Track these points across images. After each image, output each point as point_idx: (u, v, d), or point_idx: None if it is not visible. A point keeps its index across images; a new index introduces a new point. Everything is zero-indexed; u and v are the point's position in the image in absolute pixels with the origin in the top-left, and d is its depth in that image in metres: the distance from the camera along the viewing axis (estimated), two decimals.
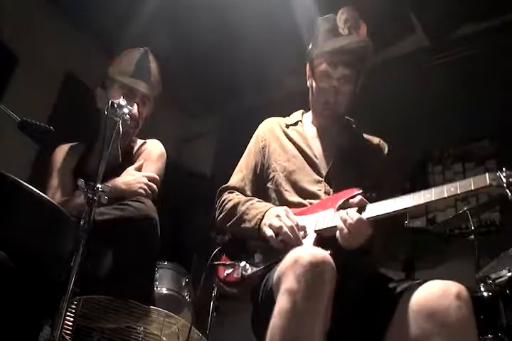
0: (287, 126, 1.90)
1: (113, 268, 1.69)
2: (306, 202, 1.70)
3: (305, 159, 1.79)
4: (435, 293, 1.33)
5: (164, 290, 2.82)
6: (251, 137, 1.96)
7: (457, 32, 3.97)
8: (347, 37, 1.78)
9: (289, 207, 1.64)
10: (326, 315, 1.27)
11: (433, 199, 1.40)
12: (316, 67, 1.83)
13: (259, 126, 1.95)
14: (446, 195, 1.39)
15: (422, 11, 3.84)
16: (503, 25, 3.75)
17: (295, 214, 1.61)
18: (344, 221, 1.47)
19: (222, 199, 1.80)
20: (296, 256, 1.29)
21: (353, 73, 1.79)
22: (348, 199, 1.58)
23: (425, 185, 3.57)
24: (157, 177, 2.10)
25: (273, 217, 1.58)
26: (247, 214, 1.66)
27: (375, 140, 1.91)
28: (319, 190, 1.71)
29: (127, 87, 2.16)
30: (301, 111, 1.99)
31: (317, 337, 1.24)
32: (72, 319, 1.59)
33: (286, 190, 1.74)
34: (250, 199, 1.73)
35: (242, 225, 1.66)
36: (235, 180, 1.85)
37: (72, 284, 1.36)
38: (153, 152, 2.21)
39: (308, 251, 1.31)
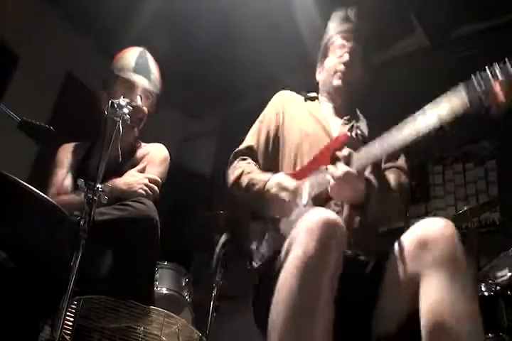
0: (305, 99, 1.96)
1: (113, 269, 1.69)
2: None
3: (321, 128, 1.83)
4: (426, 226, 1.39)
5: (164, 290, 2.82)
6: None
7: (457, 32, 3.96)
8: (357, 22, 1.91)
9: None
10: (334, 281, 1.28)
11: (420, 135, 1.41)
12: (330, 46, 1.93)
13: (275, 95, 1.99)
14: (431, 128, 1.39)
15: (422, 10, 3.84)
16: (503, 25, 3.75)
17: (293, 178, 1.66)
18: (333, 176, 1.51)
19: (234, 165, 1.85)
20: (307, 217, 1.32)
21: (361, 50, 1.88)
22: (337, 149, 1.61)
23: (425, 185, 3.56)
24: (159, 179, 2.10)
25: (275, 188, 1.62)
26: (253, 182, 1.71)
27: None
28: None
29: (129, 81, 2.17)
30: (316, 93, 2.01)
31: (327, 293, 1.24)
32: (72, 319, 1.59)
33: (300, 153, 1.77)
34: (252, 171, 1.78)
35: (249, 190, 1.71)
36: (248, 142, 1.90)
37: (72, 284, 1.36)
38: (156, 155, 2.22)
39: (318, 213, 1.33)
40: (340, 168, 1.50)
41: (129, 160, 2.16)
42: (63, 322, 1.36)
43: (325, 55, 1.95)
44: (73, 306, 1.60)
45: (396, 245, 1.44)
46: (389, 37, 3.87)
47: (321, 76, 1.97)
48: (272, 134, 1.88)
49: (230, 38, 3.97)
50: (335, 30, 1.94)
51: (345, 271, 1.31)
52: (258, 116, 2.01)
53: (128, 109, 1.66)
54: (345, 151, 1.56)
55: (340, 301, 1.28)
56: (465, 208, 2.80)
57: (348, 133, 1.67)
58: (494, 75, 1.26)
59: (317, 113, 1.88)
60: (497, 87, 1.26)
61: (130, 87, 2.15)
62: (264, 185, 1.65)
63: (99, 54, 3.97)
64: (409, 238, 1.41)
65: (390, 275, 1.42)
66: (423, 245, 1.35)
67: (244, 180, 1.74)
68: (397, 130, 1.47)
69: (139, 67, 2.21)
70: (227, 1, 3.75)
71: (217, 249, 2.47)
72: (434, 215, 3.52)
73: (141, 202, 1.85)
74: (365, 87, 1.93)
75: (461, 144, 3.68)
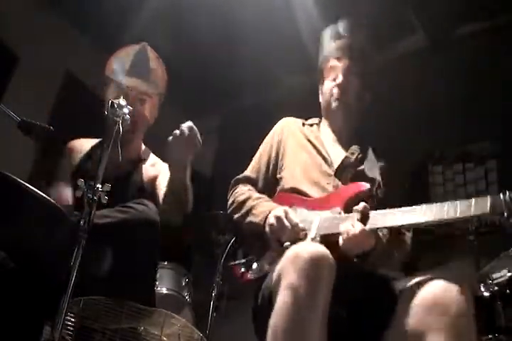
0: (303, 125, 1.96)
1: (114, 271, 1.68)
2: (315, 192, 1.73)
3: (318, 154, 1.83)
4: (439, 289, 1.37)
5: (164, 290, 2.82)
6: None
7: (457, 32, 3.96)
8: (349, 37, 1.87)
9: (298, 194, 1.72)
10: (325, 313, 1.28)
11: (445, 217, 1.44)
12: (324, 69, 1.91)
13: (277, 123, 2.00)
14: (454, 217, 1.43)
15: (422, 11, 3.84)
16: (503, 25, 3.75)
17: (299, 206, 1.67)
18: (348, 232, 1.49)
19: (236, 190, 1.88)
20: (296, 253, 1.32)
21: (356, 67, 1.85)
22: (353, 197, 1.62)
23: (425, 185, 3.57)
24: None
25: (273, 218, 1.61)
26: (255, 209, 1.73)
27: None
28: (328, 184, 1.75)
29: (122, 85, 2.09)
30: (318, 119, 2.01)
31: (320, 332, 1.26)
32: (72, 319, 1.59)
33: (297, 181, 1.78)
34: (260, 197, 1.79)
35: (249, 219, 1.73)
36: (249, 171, 1.93)
37: (72, 284, 1.36)
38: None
39: (307, 248, 1.33)
40: (357, 227, 1.49)
41: (132, 175, 2.09)
42: (63, 322, 1.35)
43: (322, 78, 1.95)
44: (74, 307, 1.60)
45: (401, 307, 1.43)
46: (389, 37, 3.87)
47: (321, 99, 1.97)
48: (271, 164, 1.89)
49: (231, 38, 3.97)
50: (326, 50, 1.92)
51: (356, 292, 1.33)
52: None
53: (128, 109, 1.66)
54: (361, 206, 1.54)
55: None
56: None
57: (368, 188, 1.65)
58: None
59: (317, 142, 1.88)
60: None
61: (124, 92, 2.04)
62: (269, 213, 1.65)
63: (99, 54, 3.96)
64: (421, 298, 1.39)
65: (397, 328, 1.40)
66: (433, 308, 1.34)
67: (247, 207, 1.76)
68: (419, 210, 1.48)
69: (135, 68, 2.12)
70: (228, 2, 3.75)
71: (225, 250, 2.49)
72: None
73: (144, 204, 1.84)
74: (366, 103, 1.92)
75: (461, 144, 3.68)
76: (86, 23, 4.02)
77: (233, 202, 1.85)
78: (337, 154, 1.84)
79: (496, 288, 2.28)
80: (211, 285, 2.97)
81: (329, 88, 1.89)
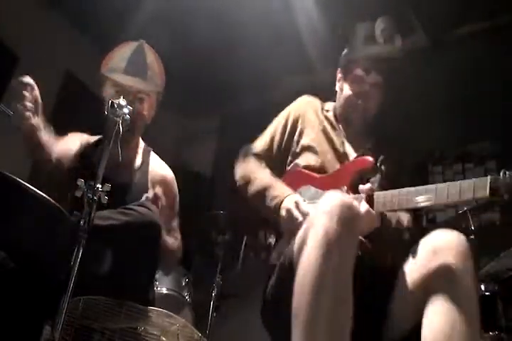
0: (322, 110, 1.94)
1: (114, 271, 1.68)
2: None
3: (329, 141, 1.84)
4: (437, 235, 1.43)
5: (164, 290, 2.82)
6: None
7: (457, 32, 3.97)
8: (383, 45, 1.86)
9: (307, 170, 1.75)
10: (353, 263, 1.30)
11: (446, 201, 1.44)
12: (350, 72, 1.88)
13: (296, 101, 1.98)
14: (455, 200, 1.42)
15: (422, 11, 3.84)
16: (503, 25, 3.75)
17: (309, 184, 1.70)
18: None
19: (250, 165, 1.86)
20: (327, 201, 1.33)
21: (383, 81, 1.84)
22: (358, 173, 1.66)
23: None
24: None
25: (284, 211, 1.62)
26: (268, 191, 1.71)
27: None
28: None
29: (119, 84, 2.07)
30: (333, 105, 1.99)
31: (349, 275, 1.27)
32: (72, 319, 1.59)
33: (308, 161, 1.79)
34: (273, 178, 1.78)
35: (265, 201, 1.70)
36: (262, 144, 1.92)
37: (72, 284, 1.36)
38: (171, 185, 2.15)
39: (338, 197, 1.34)
40: (363, 207, 1.51)
41: (133, 177, 2.08)
42: (63, 322, 1.35)
43: (345, 76, 1.91)
44: (73, 306, 1.60)
45: (409, 254, 1.48)
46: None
47: (339, 96, 1.95)
48: (284, 143, 1.88)
49: (230, 39, 3.98)
50: (358, 51, 1.88)
51: (359, 271, 1.32)
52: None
53: (128, 109, 1.65)
54: (368, 187, 1.56)
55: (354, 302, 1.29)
56: (465, 208, 2.79)
57: (372, 161, 1.69)
58: None
59: (329, 126, 1.89)
60: None
61: (121, 90, 2.02)
62: (281, 202, 1.65)
63: (99, 54, 3.97)
64: (421, 247, 1.44)
65: (401, 283, 1.44)
66: (432, 254, 1.39)
67: (260, 187, 1.75)
68: (422, 191, 1.48)
69: (132, 66, 2.09)
70: (227, 3, 3.76)
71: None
72: (434, 217, 3.52)
73: (145, 207, 1.83)
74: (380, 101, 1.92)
75: (461, 144, 3.68)
76: (86, 23, 4.03)
77: (244, 176, 1.83)
78: (349, 149, 1.86)
79: (496, 287, 2.29)
80: (211, 285, 2.98)
81: (350, 98, 1.87)
